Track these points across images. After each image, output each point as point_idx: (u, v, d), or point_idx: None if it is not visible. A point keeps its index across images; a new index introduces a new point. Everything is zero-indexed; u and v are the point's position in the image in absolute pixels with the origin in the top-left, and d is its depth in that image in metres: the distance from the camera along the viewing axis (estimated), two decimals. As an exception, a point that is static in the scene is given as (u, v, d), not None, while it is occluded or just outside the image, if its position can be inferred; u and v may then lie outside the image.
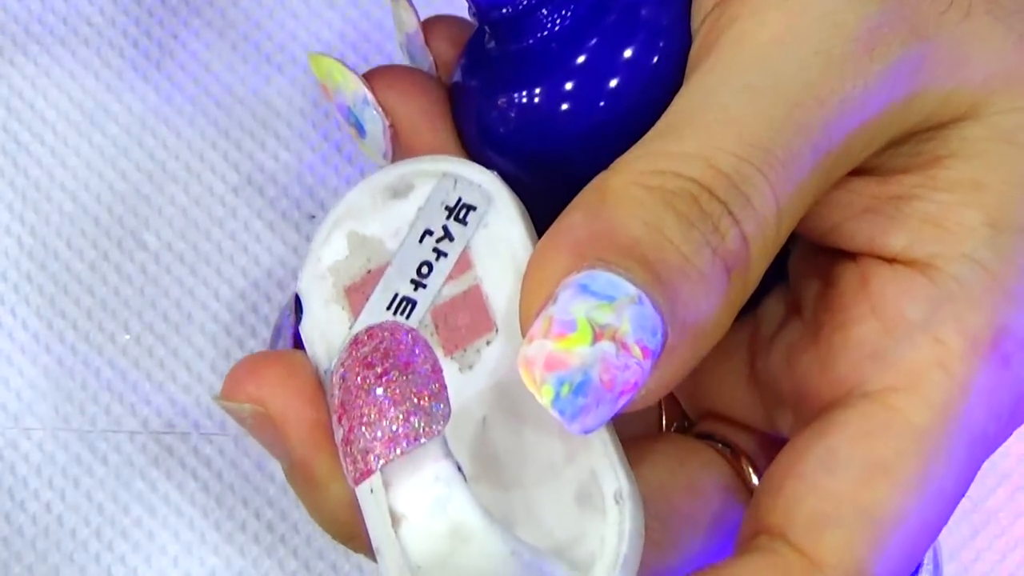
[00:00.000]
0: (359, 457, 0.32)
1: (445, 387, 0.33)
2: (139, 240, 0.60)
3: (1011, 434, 0.37)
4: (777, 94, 0.34)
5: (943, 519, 0.36)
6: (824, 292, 0.38)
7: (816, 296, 0.39)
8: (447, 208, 0.37)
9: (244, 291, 0.60)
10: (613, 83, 0.37)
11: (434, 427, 0.32)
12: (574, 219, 0.34)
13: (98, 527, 0.59)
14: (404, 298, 0.37)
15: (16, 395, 0.59)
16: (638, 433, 0.41)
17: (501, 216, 0.37)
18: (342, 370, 0.33)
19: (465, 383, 0.36)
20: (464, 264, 0.37)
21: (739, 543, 0.36)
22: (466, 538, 0.31)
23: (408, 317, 0.37)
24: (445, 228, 0.37)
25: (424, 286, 0.37)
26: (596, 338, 0.32)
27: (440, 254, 0.37)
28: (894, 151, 0.36)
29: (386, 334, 0.33)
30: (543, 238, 0.34)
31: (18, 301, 0.60)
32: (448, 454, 0.32)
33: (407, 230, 0.37)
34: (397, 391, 0.32)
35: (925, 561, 0.56)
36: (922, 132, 0.36)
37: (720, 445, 0.40)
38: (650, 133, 0.35)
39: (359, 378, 0.33)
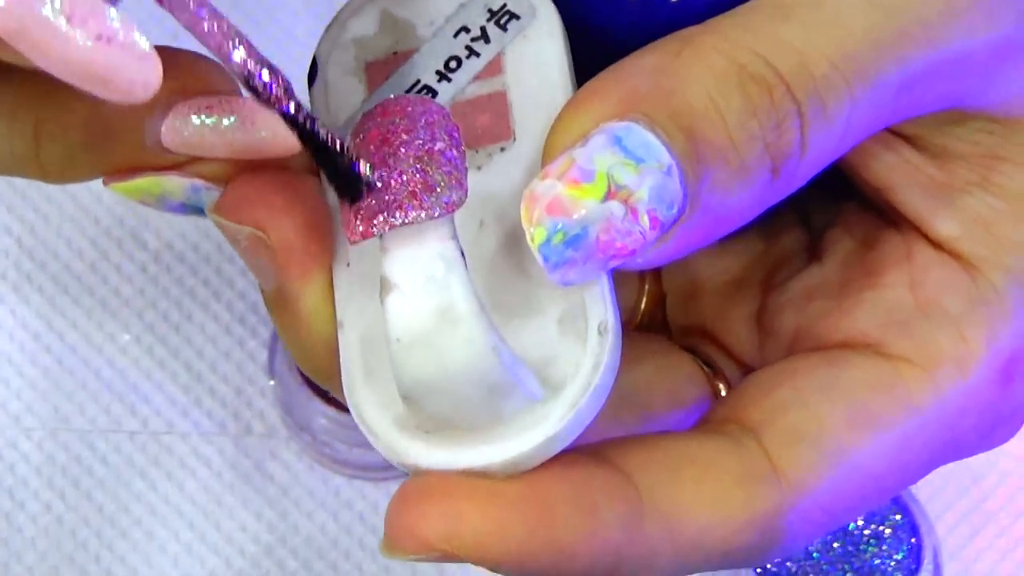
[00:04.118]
0: (366, 215, 0.31)
1: (465, 175, 0.32)
2: (139, 240, 0.60)
3: (976, 454, 0.38)
4: (891, 17, 0.34)
5: (884, 497, 0.36)
6: (860, 251, 0.39)
7: (850, 252, 0.39)
8: (490, 10, 0.36)
9: (244, 291, 0.60)
10: None
11: (446, 206, 0.31)
12: (643, 63, 0.33)
13: (98, 527, 0.59)
14: (426, 86, 0.36)
15: (16, 395, 0.59)
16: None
17: (542, 31, 0.36)
18: (368, 125, 0.32)
19: (470, 183, 0.35)
20: (495, 68, 0.36)
21: (703, 422, 0.37)
22: (453, 321, 0.31)
23: None
24: (483, 29, 0.36)
25: (449, 80, 0.36)
26: (608, 196, 0.31)
27: (472, 53, 0.36)
28: (951, 130, 0.36)
29: (420, 106, 0.32)
30: (604, 72, 0.33)
31: (18, 301, 0.60)
32: (455, 236, 0.32)
33: (443, 22, 0.37)
34: (420, 161, 0.32)
35: (925, 561, 0.56)
36: (983, 119, 0.36)
37: (702, 363, 0.40)
38: (758, 4, 0.34)
39: (382, 138, 0.32)
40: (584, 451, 0.33)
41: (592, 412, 0.33)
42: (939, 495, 0.59)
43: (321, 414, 0.58)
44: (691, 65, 0.33)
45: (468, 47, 0.36)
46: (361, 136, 0.32)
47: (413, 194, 0.31)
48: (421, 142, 0.32)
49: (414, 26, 0.37)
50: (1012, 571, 0.59)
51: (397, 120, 0.32)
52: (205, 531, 0.59)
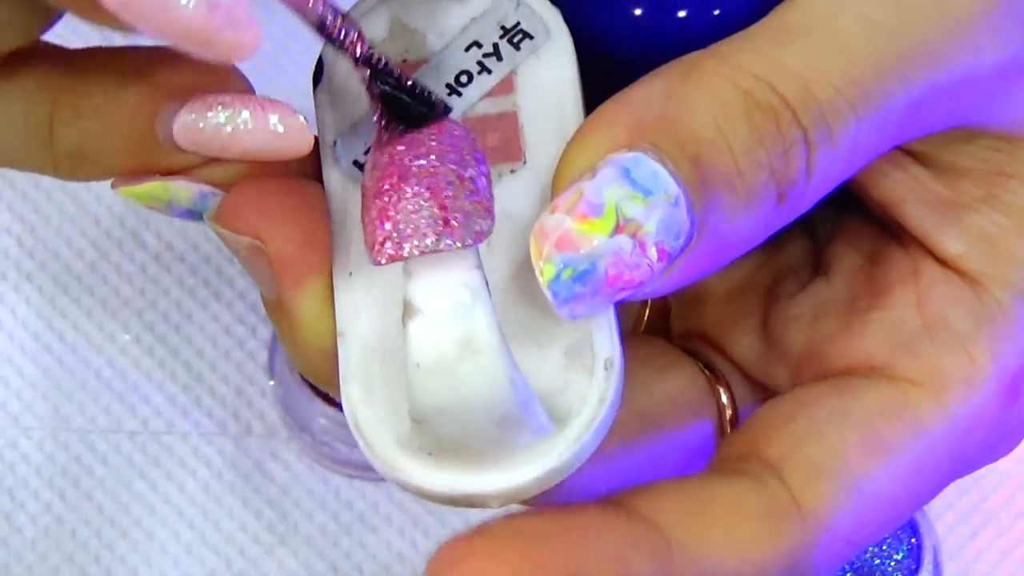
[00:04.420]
0: (393, 238, 0.31)
1: (492, 203, 0.32)
2: (139, 240, 0.60)
3: (982, 467, 0.38)
4: (895, 40, 0.34)
5: (900, 521, 0.37)
6: (867, 268, 0.39)
7: (857, 268, 0.39)
8: (502, 27, 0.36)
9: (244, 291, 0.60)
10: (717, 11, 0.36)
11: (476, 235, 0.31)
12: (649, 90, 0.33)
13: (98, 527, 0.59)
14: None
15: (16, 395, 0.59)
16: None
17: (556, 53, 0.36)
18: (400, 146, 0.32)
19: None
20: (506, 87, 0.36)
21: (721, 460, 0.37)
22: (476, 351, 0.31)
23: None
24: (496, 46, 0.36)
25: (459, 94, 0.36)
26: (617, 230, 0.31)
27: (484, 69, 0.36)
28: (959, 147, 0.36)
29: (450, 131, 0.32)
30: (611, 100, 0.33)
31: (18, 301, 0.60)
32: (480, 265, 0.31)
33: (455, 34, 0.36)
34: (450, 189, 0.31)
35: (925, 562, 0.56)
36: (991, 137, 0.36)
37: (703, 366, 0.41)
38: (763, 27, 0.34)
39: (413, 162, 0.32)
40: (609, 502, 0.33)
41: (594, 446, 0.33)
42: (939, 495, 0.59)
43: (321, 414, 0.58)
44: (697, 92, 0.33)
45: (480, 63, 0.36)
46: (387, 155, 0.32)
47: (445, 221, 0.31)
48: (453, 168, 0.32)
49: (424, 36, 0.37)
50: (1012, 571, 0.60)
51: (425, 142, 0.32)
52: (205, 531, 0.59)
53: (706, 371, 0.40)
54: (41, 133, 0.35)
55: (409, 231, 0.31)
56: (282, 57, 0.61)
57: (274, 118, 0.34)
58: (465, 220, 0.31)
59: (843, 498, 0.35)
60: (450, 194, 0.32)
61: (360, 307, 0.34)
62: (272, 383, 0.59)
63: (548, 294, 0.31)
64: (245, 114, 0.34)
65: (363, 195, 0.32)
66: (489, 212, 0.32)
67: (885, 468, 0.35)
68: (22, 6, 0.33)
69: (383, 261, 0.31)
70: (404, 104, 0.32)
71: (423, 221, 0.31)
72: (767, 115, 0.33)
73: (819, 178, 0.33)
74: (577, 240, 0.31)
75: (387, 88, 0.32)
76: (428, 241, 0.31)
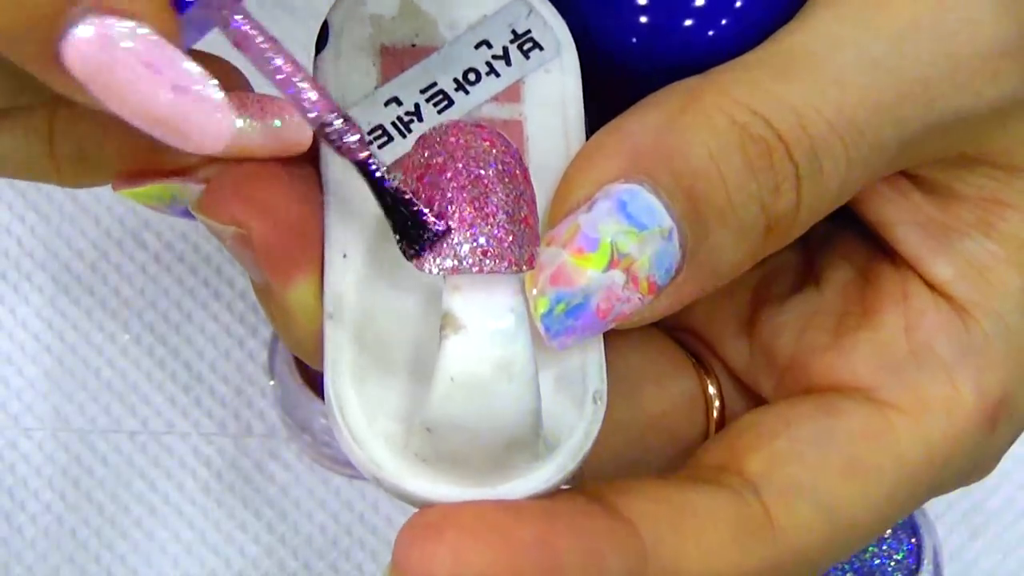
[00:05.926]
0: (448, 252, 0.31)
1: (539, 229, 0.32)
2: (139, 240, 0.60)
3: (956, 490, 0.38)
4: (894, 79, 0.34)
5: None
6: (858, 284, 0.39)
7: (848, 282, 0.39)
8: (513, 32, 0.36)
9: (244, 291, 0.60)
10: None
11: (528, 261, 0.31)
12: (646, 120, 0.33)
13: (98, 527, 0.59)
14: (442, 91, 0.36)
15: (16, 395, 0.59)
16: None
17: (565, 69, 0.36)
18: (460, 158, 0.32)
19: None
20: (514, 94, 0.36)
21: (702, 466, 0.37)
22: (512, 376, 0.31)
23: (440, 112, 0.36)
24: (505, 50, 0.36)
25: (467, 92, 0.36)
26: (611, 265, 0.31)
27: (493, 71, 0.36)
28: (956, 173, 0.36)
29: (509, 150, 0.32)
30: (609, 127, 0.34)
31: (18, 301, 0.60)
32: (523, 291, 0.31)
33: (464, 29, 0.36)
34: (509, 209, 0.31)
35: (925, 562, 0.56)
36: (988, 165, 0.36)
37: (694, 359, 0.41)
38: (763, 55, 0.34)
39: (473, 176, 0.32)
40: (589, 494, 0.33)
41: (575, 472, 0.33)
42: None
43: (321, 414, 0.58)
44: (694, 125, 0.33)
45: (489, 64, 0.36)
46: (439, 160, 0.32)
47: (502, 243, 0.31)
48: (511, 188, 0.32)
49: (435, 22, 0.36)
50: (1012, 571, 0.60)
51: (485, 150, 0.32)
52: (205, 531, 0.59)
53: (696, 363, 0.41)
54: (41, 141, 0.35)
55: (467, 248, 0.31)
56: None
57: (273, 115, 0.34)
58: (520, 245, 0.31)
59: (817, 522, 0.35)
60: (511, 215, 0.31)
61: (353, 291, 0.34)
62: (272, 383, 0.59)
63: (540, 327, 0.32)
64: (244, 112, 0.34)
65: (411, 191, 0.32)
66: (538, 238, 0.32)
67: (861, 495, 0.36)
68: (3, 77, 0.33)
69: (435, 272, 0.31)
70: (400, 218, 0.32)
71: (482, 240, 0.31)
72: (761, 149, 0.33)
73: (808, 210, 0.34)
74: (572, 275, 0.31)
75: (385, 200, 0.32)
76: (487, 262, 0.31)
